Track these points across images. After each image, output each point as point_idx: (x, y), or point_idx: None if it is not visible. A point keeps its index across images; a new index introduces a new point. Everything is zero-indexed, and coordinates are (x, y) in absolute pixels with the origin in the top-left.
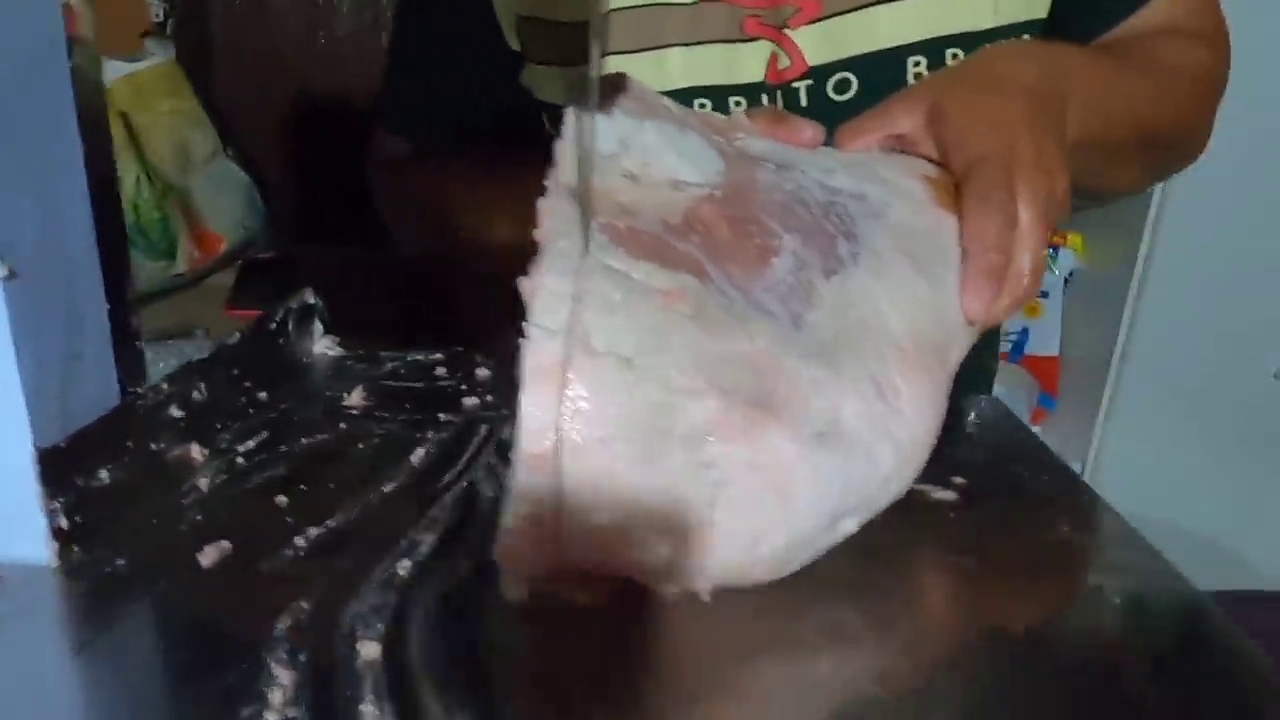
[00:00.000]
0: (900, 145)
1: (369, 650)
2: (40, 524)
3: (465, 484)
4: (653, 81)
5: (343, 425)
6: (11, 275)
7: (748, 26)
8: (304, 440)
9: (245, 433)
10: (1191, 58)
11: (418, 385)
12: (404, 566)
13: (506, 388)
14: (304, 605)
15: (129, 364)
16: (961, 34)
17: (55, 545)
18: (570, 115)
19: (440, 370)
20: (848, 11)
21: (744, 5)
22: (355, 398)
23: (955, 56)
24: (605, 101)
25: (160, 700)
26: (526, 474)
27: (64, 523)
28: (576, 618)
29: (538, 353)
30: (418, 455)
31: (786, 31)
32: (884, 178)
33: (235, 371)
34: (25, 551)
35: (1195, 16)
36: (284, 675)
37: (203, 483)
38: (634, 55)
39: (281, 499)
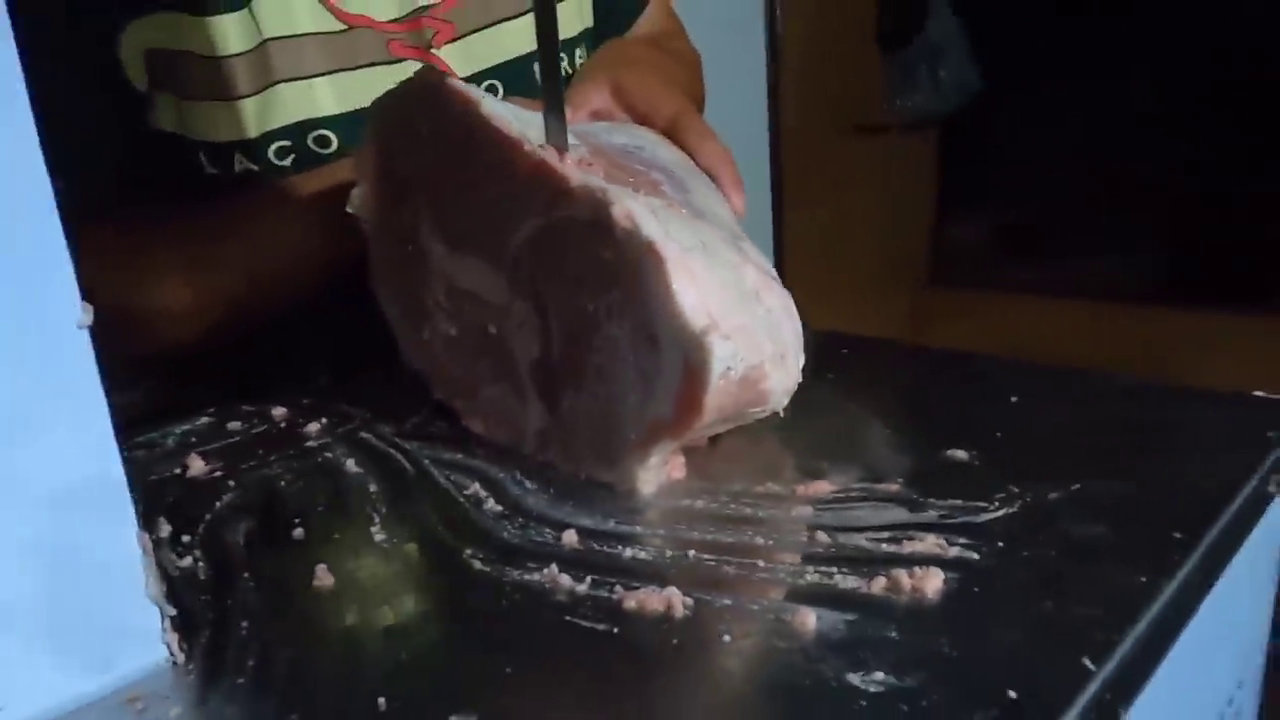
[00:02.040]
0: (595, 117)
1: None
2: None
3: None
4: (308, 109)
5: (232, 483)
6: None
7: (394, 49)
8: (217, 504)
9: None
10: (686, 48)
11: (234, 440)
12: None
13: (343, 404)
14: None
15: None
16: (563, 41)
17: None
18: (478, 95)
19: (233, 424)
20: (478, 30)
21: (386, 30)
22: (196, 467)
23: (563, 59)
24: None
25: None
26: (719, 340)
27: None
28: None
29: (668, 251)
30: (371, 483)
31: (434, 52)
32: (634, 134)
33: None
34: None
35: (672, 20)
36: None
37: (186, 562)
38: (288, 84)
39: (299, 531)
